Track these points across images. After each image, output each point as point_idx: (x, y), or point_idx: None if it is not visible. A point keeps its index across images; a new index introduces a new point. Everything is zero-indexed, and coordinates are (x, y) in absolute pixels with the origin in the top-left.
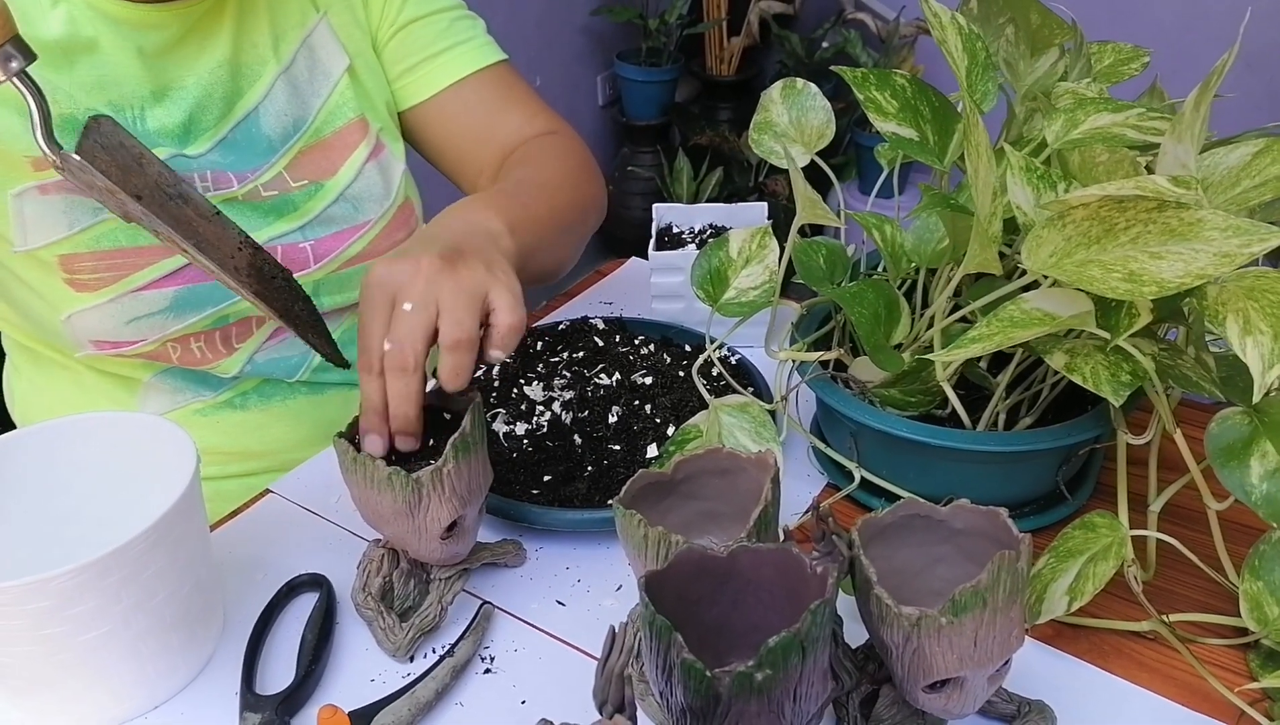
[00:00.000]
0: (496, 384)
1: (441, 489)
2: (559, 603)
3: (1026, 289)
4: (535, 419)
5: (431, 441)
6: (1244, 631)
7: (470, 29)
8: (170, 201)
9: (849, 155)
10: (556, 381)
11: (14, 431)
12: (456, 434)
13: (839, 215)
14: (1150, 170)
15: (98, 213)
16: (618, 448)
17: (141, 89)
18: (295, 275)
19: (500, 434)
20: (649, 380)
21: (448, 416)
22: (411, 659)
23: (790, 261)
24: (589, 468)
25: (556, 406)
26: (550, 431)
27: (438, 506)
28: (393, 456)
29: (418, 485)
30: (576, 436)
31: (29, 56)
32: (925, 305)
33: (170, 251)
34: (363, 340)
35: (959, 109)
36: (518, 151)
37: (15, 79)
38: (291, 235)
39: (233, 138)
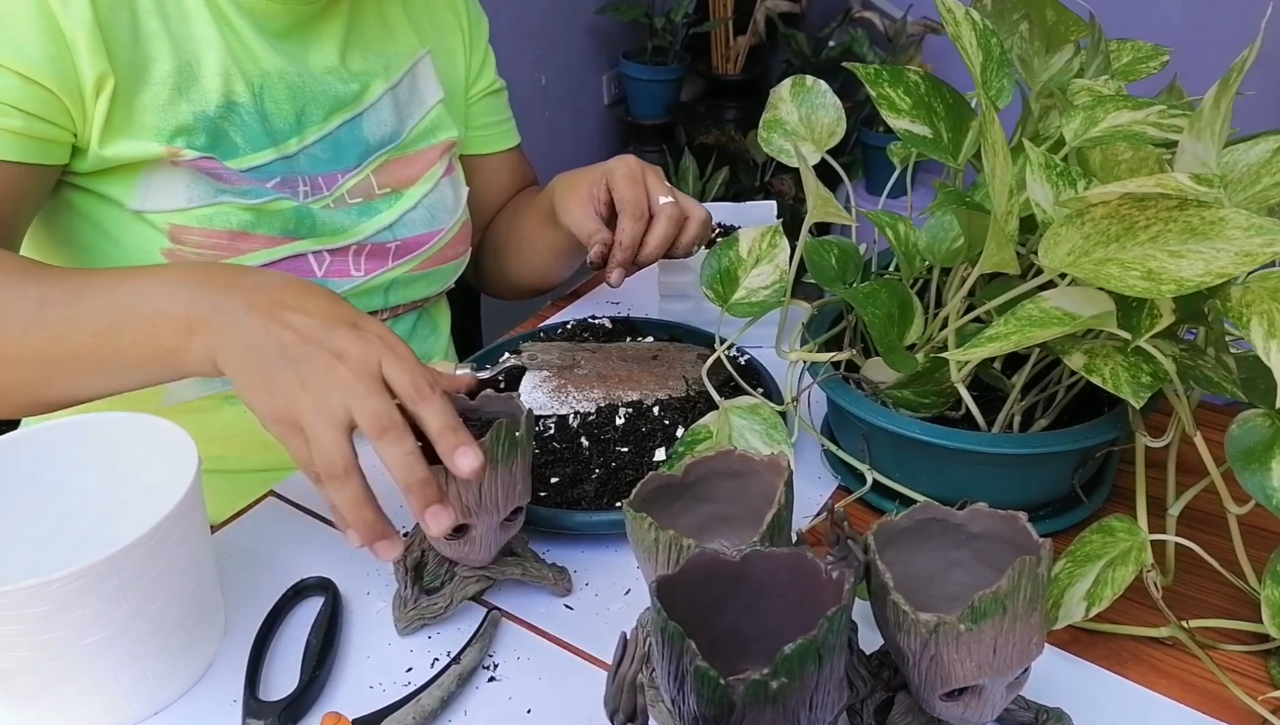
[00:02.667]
0: (502, 384)
1: (443, 492)
2: (567, 606)
3: (1042, 289)
4: (542, 420)
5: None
6: (1265, 638)
7: (509, 108)
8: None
9: (855, 154)
10: None
11: (17, 431)
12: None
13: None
14: (1173, 169)
15: (218, 194)
16: (625, 450)
17: (261, 67)
18: (375, 273)
19: None
20: None
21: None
22: (428, 665)
23: (801, 261)
24: (597, 470)
25: (564, 408)
26: (557, 433)
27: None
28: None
29: None
30: (584, 438)
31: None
32: (938, 305)
33: (270, 244)
34: (637, 196)
35: (973, 106)
36: (529, 189)
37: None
38: (381, 234)
39: (337, 135)
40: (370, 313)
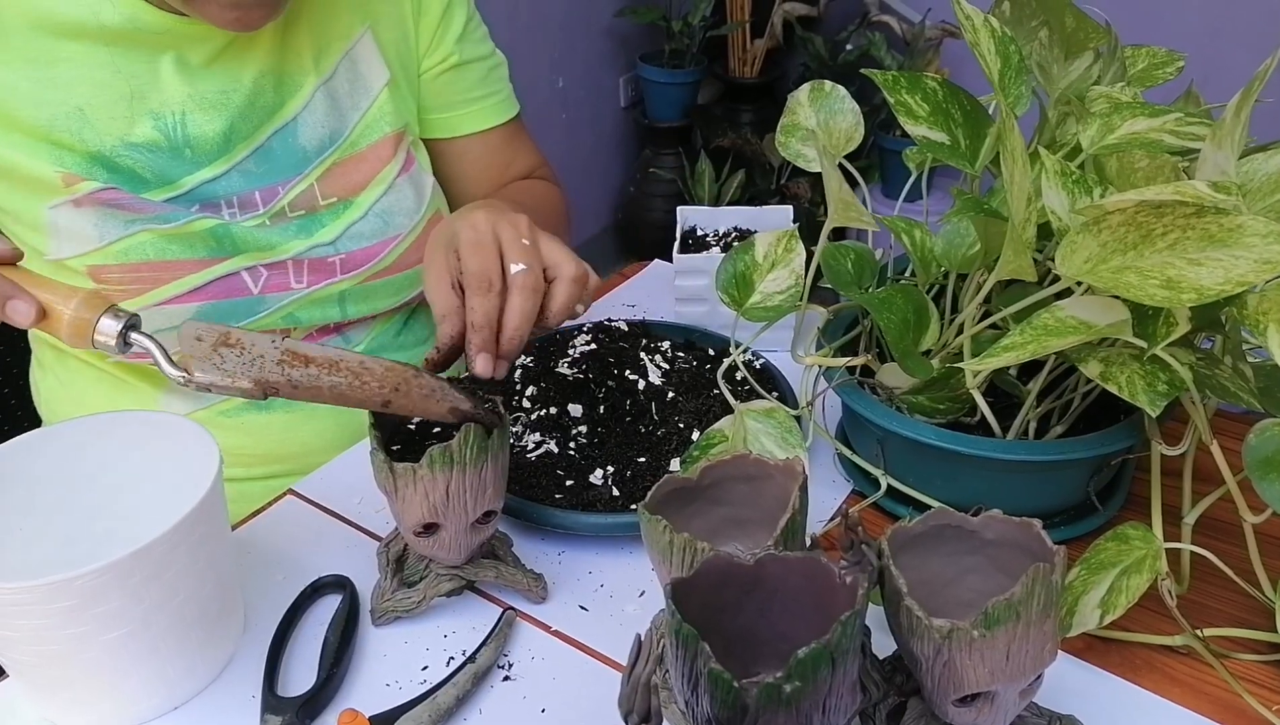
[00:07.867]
0: (518, 386)
1: (412, 488)
2: (581, 608)
3: (1059, 296)
4: (558, 421)
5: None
6: (1279, 647)
7: (501, 80)
8: (298, 375)
9: (871, 159)
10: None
11: (41, 428)
12: (441, 444)
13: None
14: (1189, 176)
15: (128, 226)
16: (643, 460)
17: (181, 96)
18: (320, 284)
19: (522, 436)
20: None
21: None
22: (444, 664)
23: (817, 265)
24: (612, 472)
25: (578, 410)
26: (571, 435)
27: (411, 502)
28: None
29: (391, 472)
30: (599, 440)
31: (133, 316)
32: (954, 311)
33: (198, 267)
34: (482, 265)
35: (990, 112)
36: (515, 184)
37: (133, 334)
38: (321, 249)
39: (269, 146)
40: (334, 326)
